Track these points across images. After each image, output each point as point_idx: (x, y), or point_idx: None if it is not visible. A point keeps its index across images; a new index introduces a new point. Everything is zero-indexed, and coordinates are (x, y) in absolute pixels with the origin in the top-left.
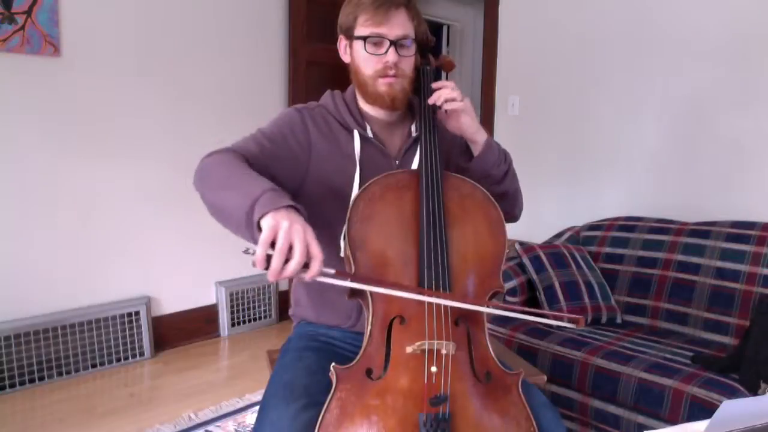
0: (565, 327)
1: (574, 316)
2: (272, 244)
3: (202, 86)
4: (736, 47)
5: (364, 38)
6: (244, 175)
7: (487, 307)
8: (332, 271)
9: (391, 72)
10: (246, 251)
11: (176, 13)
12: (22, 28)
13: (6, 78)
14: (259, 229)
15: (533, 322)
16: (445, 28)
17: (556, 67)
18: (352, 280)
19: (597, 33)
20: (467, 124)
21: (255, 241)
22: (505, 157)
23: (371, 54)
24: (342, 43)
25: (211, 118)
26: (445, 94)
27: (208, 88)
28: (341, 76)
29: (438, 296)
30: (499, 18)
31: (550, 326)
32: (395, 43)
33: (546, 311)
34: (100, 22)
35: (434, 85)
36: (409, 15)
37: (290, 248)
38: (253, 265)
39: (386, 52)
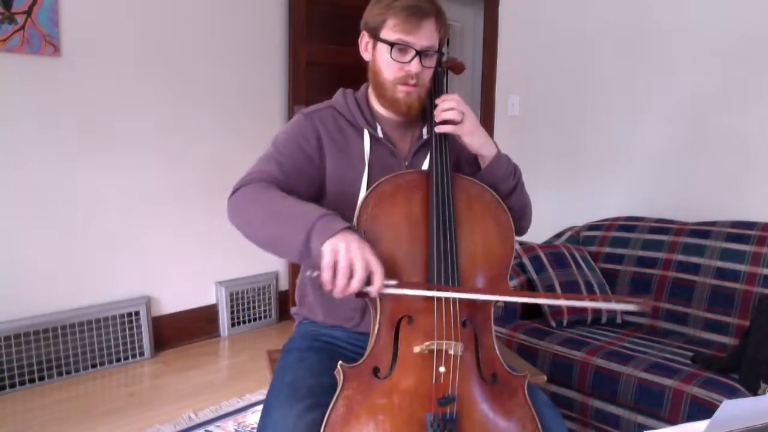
0: (630, 311)
1: (636, 300)
2: (335, 267)
3: (202, 86)
4: (736, 47)
5: (391, 44)
6: (288, 206)
7: (511, 296)
8: (394, 282)
9: (412, 81)
10: (311, 275)
11: (176, 13)
12: (22, 28)
13: (6, 78)
14: (321, 256)
15: (532, 322)
16: (449, 29)
17: (556, 67)
18: (418, 289)
19: (597, 33)
20: (469, 143)
21: (316, 266)
22: (514, 172)
23: (395, 60)
24: (364, 40)
25: (211, 118)
26: (445, 114)
27: (209, 87)
28: (341, 76)
29: (471, 292)
30: (499, 18)
31: (550, 326)
32: (420, 54)
33: (603, 297)
34: (100, 22)
35: (437, 101)
36: (437, 25)
37: (351, 267)
38: (322, 286)
39: (411, 61)
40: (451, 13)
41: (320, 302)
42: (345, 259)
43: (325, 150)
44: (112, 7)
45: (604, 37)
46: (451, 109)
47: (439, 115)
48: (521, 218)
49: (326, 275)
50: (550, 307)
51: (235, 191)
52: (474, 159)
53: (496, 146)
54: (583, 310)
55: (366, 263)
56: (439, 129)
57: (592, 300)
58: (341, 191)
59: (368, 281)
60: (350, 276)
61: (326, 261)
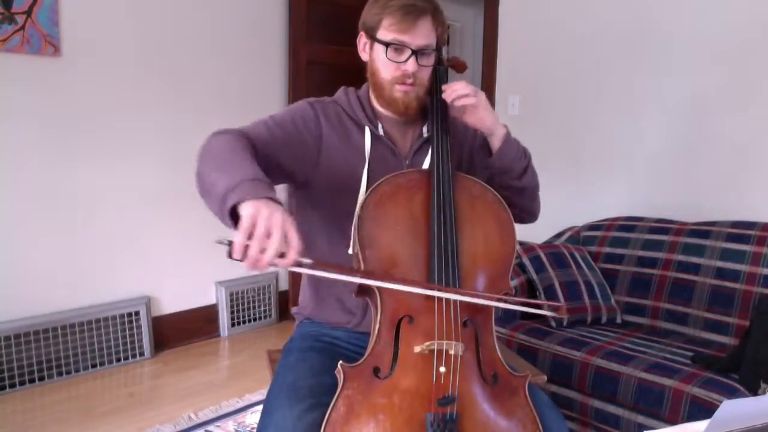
0: (546, 315)
1: (555, 303)
2: (250, 235)
3: (202, 86)
4: (736, 48)
5: (386, 44)
6: (237, 160)
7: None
8: (309, 261)
9: (409, 81)
10: (220, 242)
11: (176, 13)
12: (22, 28)
13: (6, 78)
14: (233, 219)
15: (532, 322)
16: (447, 28)
17: (556, 67)
18: (336, 273)
19: (597, 33)
20: (485, 118)
21: (227, 225)
22: (524, 153)
23: (391, 60)
24: (362, 41)
25: (211, 118)
26: (458, 90)
27: (209, 87)
28: (341, 76)
29: (440, 290)
30: (499, 18)
31: (550, 326)
32: (417, 53)
33: (531, 300)
34: (100, 22)
35: (444, 86)
36: (434, 24)
37: (268, 235)
38: (228, 255)
39: (407, 60)
40: (451, 13)
41: (318, 302)
42: (264, 225)
43: (324, 140)
44: (112, 7)
45: (605, 37)
46: (465, 91)
47: (452, 94)
48: (534, 199)
49: (240, 240)
50: (551, 306)
51: (215, 133)
52: (484, 144)
53: (505, 126)
54: (583, 309)
55: (284, 235)
56: (460, 102)
57: (520, 304)
58: (339, 185)
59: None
60: (265, 247)
61: (243, 224)
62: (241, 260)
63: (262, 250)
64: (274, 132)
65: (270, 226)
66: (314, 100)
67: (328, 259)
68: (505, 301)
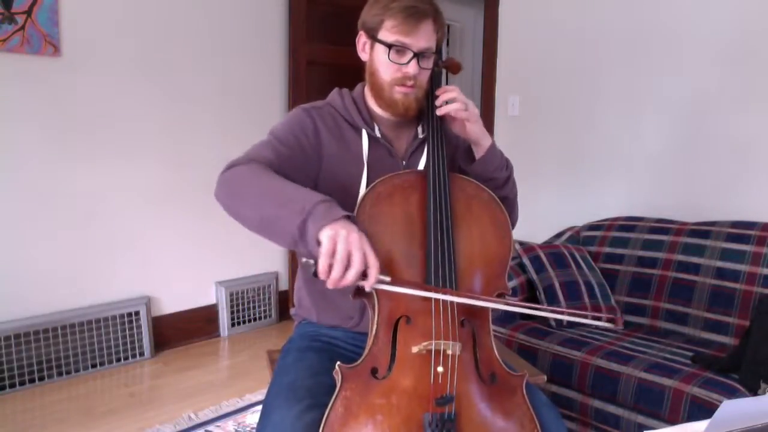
0: (603, 327)
1: (610, 316)
2: (332, 255)
3: (202, 86)
4: (736, 48)
5: (389, 45)
6: (286, 188)
7: (506, 305)
8: (388, 278)
9: (410, 83)
10: (307, 263)
11: (176, 13)
12: (22, 28)
13: (6, 78)
14: (317, 242)
15: (532, 322)
16: (446, 30)
17: (556, 67)
18: (412, 288)
19: (597, 33)
20: (472, 131)
21: (308, 253)
22: (506, 165)
23: (393, 62)
24: (361, 41)
25: (211, 118)
26: (451, 105)
27: (208, 87)
28: (341, 76)
29: (467, 297)
30: (499, 18)
31: (550, 326)
32: (418, 55)
33: (579, 312)
34: (100, 22)
35: (438, 91)
36: (435, 26)
37: (349, 257)
38: (315, 275)
39: (408, 62)
40: (451, 13)
41: (318, 302)
42: (344, 248)
43: (323, 145)
44: (112, 7)
45: (604, 37)
46: (454, 99)
47: (444, 108)
48: (512, 211)
49: (323, 262)
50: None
51: (229, 167)
52: (468, 150)
53: (491, 138)
54: (583, 309)
55: (364, 255)
56: (454, 114)
57: (571, 315)
58: (340, 189)
59: (363, 275)
60: (347, 267)
61: (325, 248)
62: (326, 279)
63: (345, 271)
64: (279, 151)
65: (350, 248)
66: (309, 106)
67: None
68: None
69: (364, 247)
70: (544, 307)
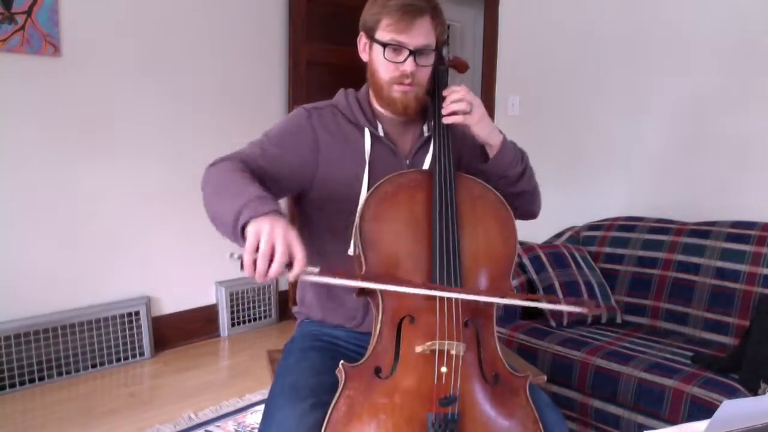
0: (576, 312)
1: (583, 301)
2: (257, 250)
3: (202, 86)
4: (736, 47)
5: (384, 44)
6: (235, 185)
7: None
8: (316, 269)
9: (407, 81)
10: (231, 257)
11: (176, 13)
12: (22, 28)
13: (6, 78)
14: (244, 237)
15: (532, 322)
16: (446, 27)
17: (556, 67)
18: (341, 278)
19: (597, 33)
20: (478, 132)
21: (242, 246)
22: (522, 157)
23: (389, 61)
24: (362, 41)
25: (211, 118)
26: (453, 106)
27: (208, 87)
28: (341, 76)
29: (442, 290)
30: (499, 18)
31: (550, 326)
32: (415, 53)
33: (554, 300)
34: (100, 22)
35: (445, 92)
36: (433, 23)
37: (272, 250)
38: (241, 269)
39: (405, 61)
40: (451, 13)
41: (323, 301)
42: (267, 241)
43: (321, 147)
44: (112, 7)
45: (604, 37)
46: (460, 100)
47: (448, 107)
48: (532, 202)
49: (246, 258)
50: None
51: (210, 164)
52: (480, 149)
53: (501, 133)
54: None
55: (288, 246)
56: (447, 120)
57: (529, 300)
58: (340, 189)
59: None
60: (271, 259)
61: (248, 243)
62: (252, 274)
63: (269, 265)
64: (268, 150)
65: (273, 241)
66: (311, 106)
67: (333, 261)
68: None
69: (288, 238)
70: (533, 296)
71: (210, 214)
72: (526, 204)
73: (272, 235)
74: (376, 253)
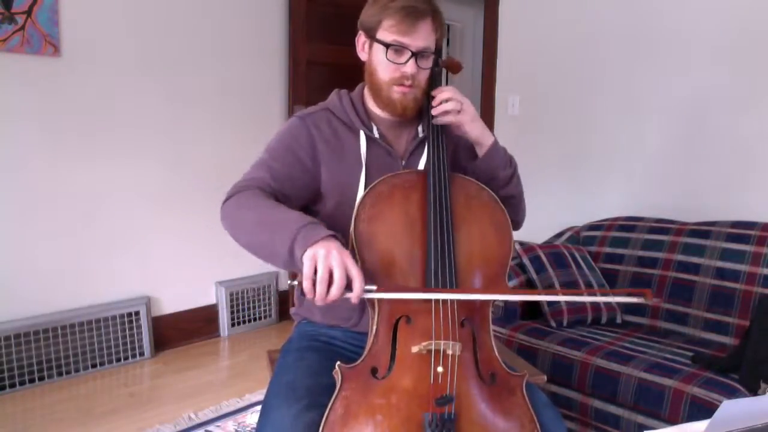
0: (633, 303)
1: (639, 290)
2: (314, 273)
3: (202, 86)
4: (736, 47)
5: (387, 45)
6: (274, 215)
7: (508, 294)
8: (374, 287)
9: (408, 82)
10: (292, 284)
11: (176, 13)
12: (22, 28)
13: (6, 78)
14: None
15: (532, 322)
16: (446, 29)
17: (556, 67)
18: (398, 292)
19: (597, 33)
20: (470, 130)
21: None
22: (510, 162)
23: (391, 62)
24: (361, 41)
25: (211, 118)
26: (444, 105)
27: (208, 87)
28: (341, 76)
29: (465, 292)
30: (499, 18)
31: (550, 326)
32: (416, 55)
33: (606, 291)
34: (100, 22)
35: (434, 92)
36: (434, 26)
37: (331, 274)
38: (301, 294)
39: (406, 62)
40: (451, 13)
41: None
42: (324, 266)
43: (319, 155)
44: (112, 7)
45: (605, 37)
46: (449, 99)
47: (439, 106)
48: (517, 211)
49: (306, 284)
50: (550, 306)
51: (227, 198)
52: (471, 149)
53: (493, 135)
54: (583, 309)
55: (344, 270)
56: (439, 120)
57: (590, 294)
58: (340, 194)
59: (350, 287)
60: (330, 283)
61: (306, 270)
62: (312, 298)
63: (330, 287)
64: (274, 169)
65: (330, 266)
66: (304, 114)
67: None
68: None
69: (344, 262)
70: (536, 290)
71: (253, 250)
72: (512, 212)
73: (328, 259)
74: (370, 253)
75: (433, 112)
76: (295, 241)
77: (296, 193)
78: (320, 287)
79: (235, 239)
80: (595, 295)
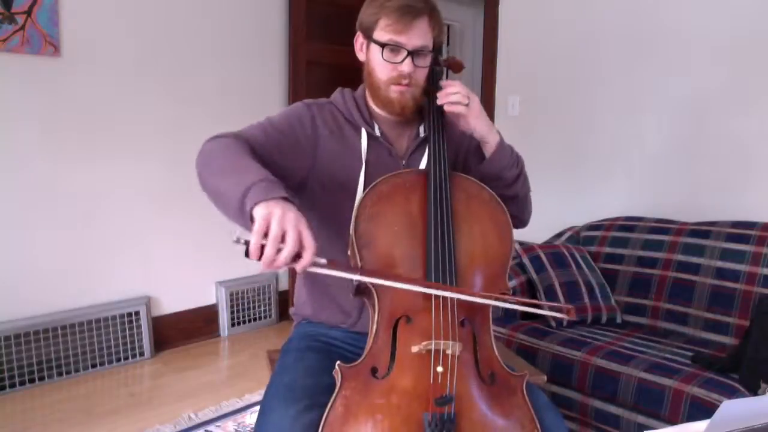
0: (557, 317)
1: (560, 305)
2: (265, 235)
3: (202, 86)
4: (736, 47)
5: (382, 44)
6: (243, 164)
7: (494, 300)
8: (324, 261)
9: (405, 81)
10: (237, 241)
11: (176, 13)
12: (22, 28)
13: (6, 78)
14: (252, 219)
15: (532, 322)
16: (445, 28)
17: (556, 67)
18: (348, 272)
19: (597, 33)
20: (476, 126)
21: (248, 230)
22: (517, 161)
23: (387, 61)
24: (359, 41)
25: (211, 118)
26: (450, 96)
27: (208, 87)
28: (341, 76)
29: (438, 288)
30: (499, 18)
31: (550, 326)
32: (413, 54)
33: (542, 302)
34: (100, 23)
35: (442, 83)
36: (431, 24)
37: (283, 237)
38: (246, 255)
39: (402, 61)
40: (451, 13)
41: (317, 299)
42: (277, 226)
43: (320, 139)
44: (112, 7)
45: (605, 37)
46: (457, 92)
47: (444, 98)
48: (523, 210)
49: (254, 241)
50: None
51: (210, 139)
52: (477, 150)
53: (498, 133)
54: (583, 309)
55: (299, 235)
56: (449, 108)
57: (519, 303)
58: (337, 187)
59: (298, 256)
60: (279, 248)
61: (257, 226)
62: (257, 260)
63: (278, 251)
64: (270, 134)
65: (284, 227)
66: (311, 101)
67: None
68: (505, 301)
69: (299, 226)
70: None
71: (210, 191)
72: (517, 210)
73: (284, 220)
74: (371, 253)
75: (441, 101)
76: (249, 191)
77: (285, 166)
78: (270, 248)
79: (200, 180)
80: (524, 304)
